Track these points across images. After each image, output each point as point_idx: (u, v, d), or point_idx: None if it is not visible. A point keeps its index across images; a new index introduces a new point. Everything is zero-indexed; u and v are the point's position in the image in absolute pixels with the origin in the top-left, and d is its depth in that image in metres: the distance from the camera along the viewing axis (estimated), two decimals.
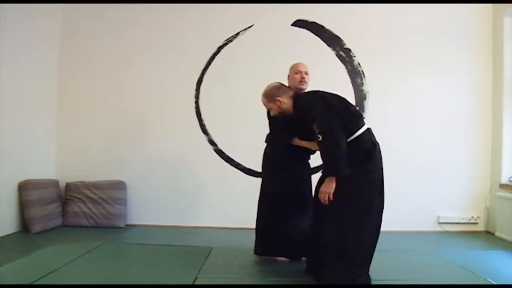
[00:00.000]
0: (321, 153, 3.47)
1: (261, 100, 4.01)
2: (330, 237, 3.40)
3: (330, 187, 3.40)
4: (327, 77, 5.72)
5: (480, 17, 6.06)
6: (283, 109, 3.80)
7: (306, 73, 4.21)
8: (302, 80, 4.18)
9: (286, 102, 3.78)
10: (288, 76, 4.32)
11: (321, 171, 3.69)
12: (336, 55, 5.99)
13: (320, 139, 3.39)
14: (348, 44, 6.00)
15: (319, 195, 3.47)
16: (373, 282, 3.54)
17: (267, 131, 4.45)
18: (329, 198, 3.39)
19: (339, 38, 6.00)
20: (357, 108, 5.21)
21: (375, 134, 3.62)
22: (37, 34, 5.68)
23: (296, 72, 4.22)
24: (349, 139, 3.43)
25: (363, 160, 3.44)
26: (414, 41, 6.01)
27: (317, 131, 3.40)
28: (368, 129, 3.58)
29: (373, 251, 3.51)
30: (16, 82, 5.24)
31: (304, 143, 3.99)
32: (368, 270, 3.51)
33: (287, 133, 4.07)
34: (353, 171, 3.34)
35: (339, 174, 3.36)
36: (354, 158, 3.36)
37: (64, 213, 5.79)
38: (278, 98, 3.80)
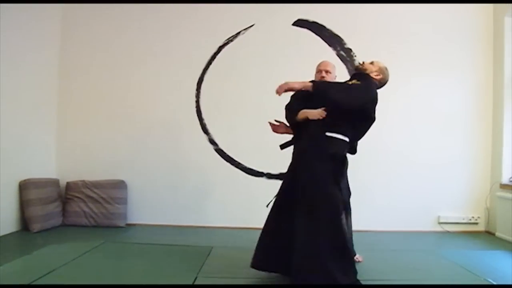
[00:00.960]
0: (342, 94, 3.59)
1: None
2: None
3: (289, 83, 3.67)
4: None
5: (481, 17, 6.06)
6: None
7: (326, 71, 4.22)
8: (322, 79, 4.17)
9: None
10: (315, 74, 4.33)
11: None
12: (337, 54, 5.99)
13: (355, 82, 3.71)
14: (348, 44, 6.00)
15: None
16: (373, 282, 3.56)
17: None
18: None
19: (340, 38, 6.00)
20: None
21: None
22: (38, 34, 5.68)
23: (318, 71, 4.28)
24: None
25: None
26: (415, 41, 6.01)
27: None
28: None
29: None
30: (16, 81, 5.24)
31: (308, 112, 3.79)
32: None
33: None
34: None
35: (329, 98, 3.57)
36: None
37: (64, 212, 5.79)
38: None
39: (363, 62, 3.97)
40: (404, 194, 5.72)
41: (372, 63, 3.92)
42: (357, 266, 4.04)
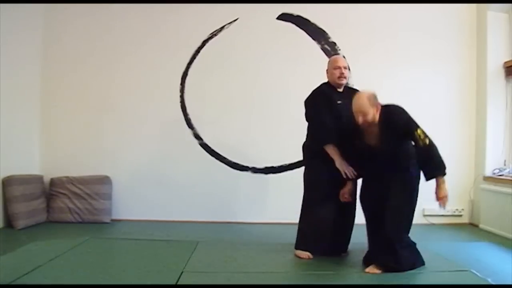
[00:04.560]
0: (428, 155, 3.75)
1: (355, 102, 3.73)
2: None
3: (446, 189, 3.79)
4: (312, 70, 5.72)
5: (464, 10, 6.09)
6: (373, 119, 3.70)
7: (345, 68, 4.17)
8: (342, 76, 4.13)
9: (376, 113, 3.74)
10: (327, 70, 4.26)
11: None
12: (321, 48, 5.99)
13: (428, 142, 3.71)
14: (333, 38, 6.00)
15: (441, 201, 3.86)
16: (357, 274, 3.63)
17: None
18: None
19: (324, 32, 6.00)
20: None
21: None
22: (20, 29, 5.61)
23: (335, 67, 4.16)
24: None
25: None
26: (399, 34, 6.03)
27: (421, 136, 3.70)
28: None
29: None
30: None
31: (336, 156, 3.97)
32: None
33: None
34: None
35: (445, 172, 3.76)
36: None
37: (49, 208, 5.74)
38: (377, 105, 3.75)
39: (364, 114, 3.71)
40: None
41: (369, 105, 3.70)
42: (342, 259, 4.09)
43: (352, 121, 3.76)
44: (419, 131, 3.71)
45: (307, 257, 4.11)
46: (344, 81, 4.17)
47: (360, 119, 3.66)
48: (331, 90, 4.18)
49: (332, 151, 3.98)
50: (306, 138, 4.33)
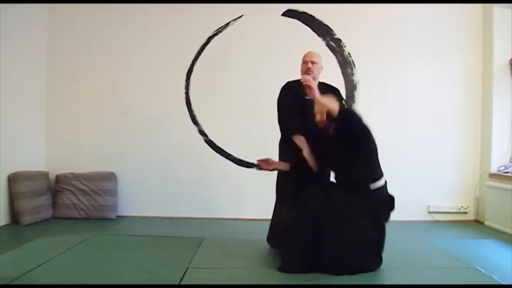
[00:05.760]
0: (369, 160, 3.77)
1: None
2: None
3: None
4: None
5: (470, 7, 6.07)
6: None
7: (312, 63, 4.09)
8: (308, 70, 4.07)
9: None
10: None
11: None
12: (326, 45, 5.98)
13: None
14: (338, 34, 5.99)
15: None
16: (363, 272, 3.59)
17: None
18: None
19: (329, 28, 5.99)
20: None
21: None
22: (26, 26, 5.63)
23: (303, 61, 4.15)
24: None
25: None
26: (404, 31, 6.02)
27: (372, 145, 3.71)
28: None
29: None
30: (4, 73, 5.18)
31: (303, 145, 3.96)
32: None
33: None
34: None
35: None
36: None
37: (54, 205, 5.76)
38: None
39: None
40: (394, 184, 5.70)
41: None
42: None
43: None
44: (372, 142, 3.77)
45: None
46: (309, 76, 3.97)
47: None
48: (302, 86, 3.99)
49: (299, 141, 3.99)
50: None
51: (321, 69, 4.23)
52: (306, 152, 3.94)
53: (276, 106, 4.24)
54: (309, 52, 4.24)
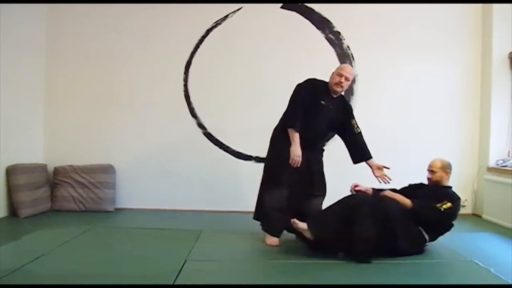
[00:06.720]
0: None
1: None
2: None
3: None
4: (316, 60, 5.74)
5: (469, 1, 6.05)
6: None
7: (346, 79, 4.14)
8: (339, 84, 4.13)
9: None
10: (332, 72, 4.24)
11: None
12: (325, 38, 5.96)
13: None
14: (337, 27, 5.97)
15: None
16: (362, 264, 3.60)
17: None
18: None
19: (328, 21, 5.97)
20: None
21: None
22: (24, 18, 5.60)
23: (339, 74, 4.15)
24: None
25: None
26: (403, 24, 6.01)
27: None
28: None
29: None
30: (3, 65, 5.15)
31: (294, 140, 4.08)
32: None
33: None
34: None
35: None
36: None
37: (52, 197, 5.76)
38: None
39: (433, 171, 4.33)
40: (392, 177, 5.74)
41: (439, 167, 4.30)
42: None
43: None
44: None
45: (276, 243, 4.18)
46: (339, 89, 4.17)
47: None
48: (324, 90, 4.23)
49: (293, 134, 4.08)
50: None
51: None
52: (293, 147, 4.06)
53: (292, 94, 4.25)
54: (347, 67, 4.31)
